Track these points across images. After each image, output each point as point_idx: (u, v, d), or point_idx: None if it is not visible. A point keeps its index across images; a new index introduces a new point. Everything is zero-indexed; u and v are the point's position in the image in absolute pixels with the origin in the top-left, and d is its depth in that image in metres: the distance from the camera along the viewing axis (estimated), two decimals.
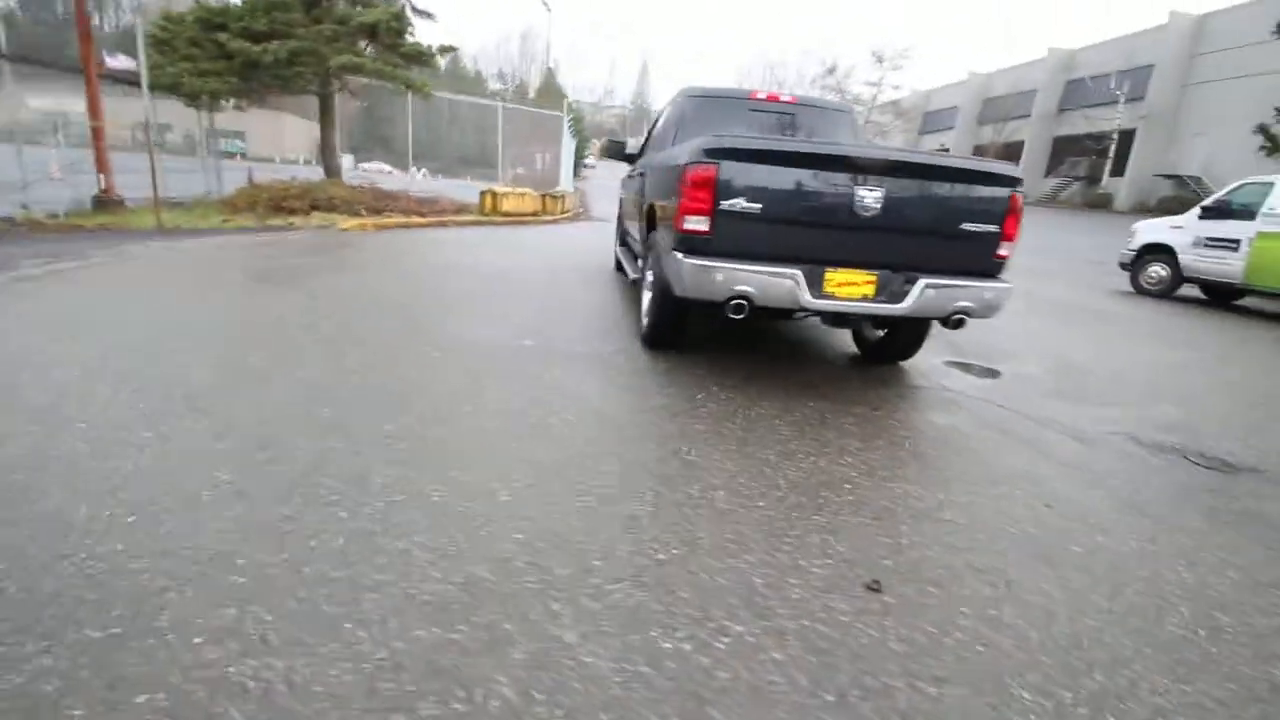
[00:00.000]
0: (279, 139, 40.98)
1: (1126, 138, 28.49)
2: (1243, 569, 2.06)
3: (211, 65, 10.03)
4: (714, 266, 2.98)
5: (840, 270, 3.07)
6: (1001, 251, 3.19)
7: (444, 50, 12.01)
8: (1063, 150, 32.81)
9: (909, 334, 3.95)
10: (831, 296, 3.08)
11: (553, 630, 1.50)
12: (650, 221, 4.08)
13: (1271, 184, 8.10)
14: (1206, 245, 8.62)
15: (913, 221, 3.04)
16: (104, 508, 1.85)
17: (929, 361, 4.28)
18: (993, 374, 4.21)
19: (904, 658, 1.52)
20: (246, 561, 1.66)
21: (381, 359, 3.46)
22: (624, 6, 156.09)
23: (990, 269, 3.22)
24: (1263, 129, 12.87)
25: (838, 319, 3.48)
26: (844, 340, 4.71)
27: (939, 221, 3.07)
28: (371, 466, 2.21)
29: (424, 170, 18.19)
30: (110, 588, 1.52)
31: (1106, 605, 1.80)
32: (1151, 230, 9.55)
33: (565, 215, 14.79)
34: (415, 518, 1.93)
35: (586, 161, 42.76)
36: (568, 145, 21.11)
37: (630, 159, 6.21)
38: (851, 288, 3.09)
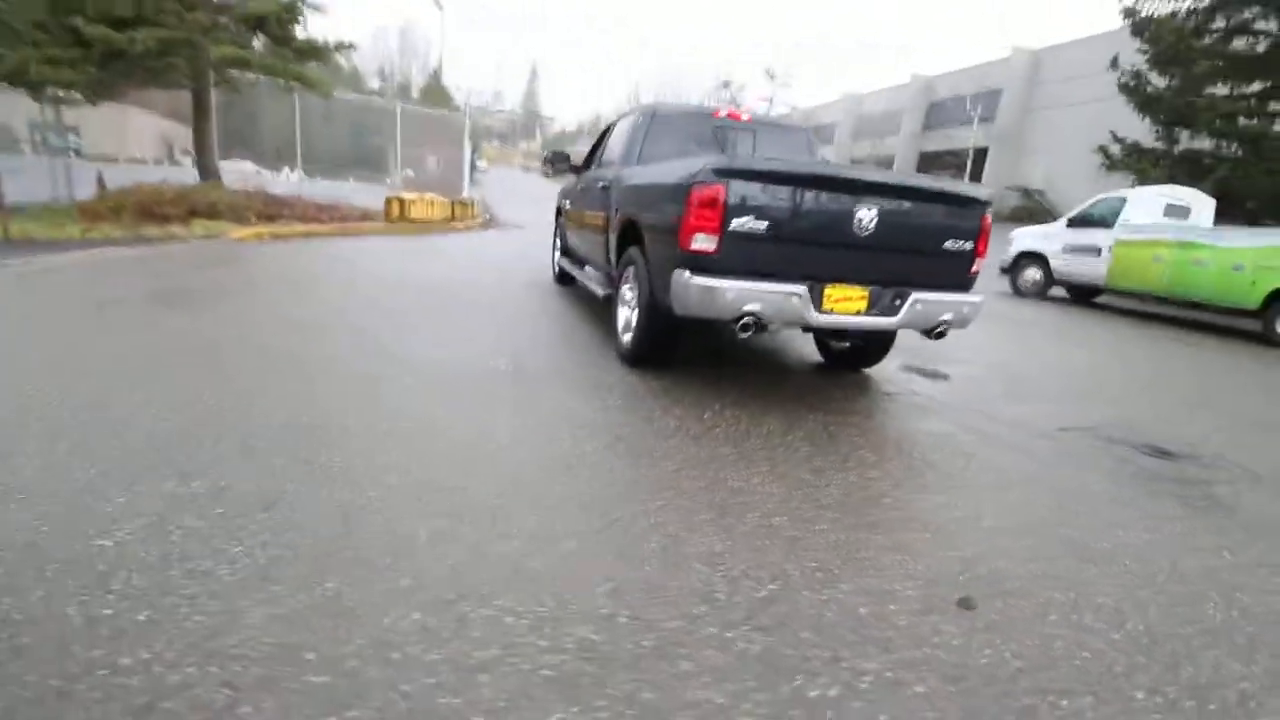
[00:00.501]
0: (121, 136, 36.33)
1: (981, 154, 31.83)
2: (1233, 550, 2.31)
3: (64, 53, 8.71)
4: (724, 286, 2.96)
5: (838, 286, 3.14)
6: (974, 268, 3.41)
7: (341, 47, 11.19)
8: (928, 164, 36.07)
9: (878, 345, 4.13)
10: (831, 312, 3.15)
11: (699, 694, 1.39)
12: (627, 237, 4.01)
13: (1124, 199, 9.35)
14: (1073, 252, 9.79)
15: (902, 240, 3.18)
16: None
17: (883, 367, 4.48)
18: (944, 377, 4.49)
19: (1027, 674, 1.55)
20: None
21: (358, 393, 3.11)
22: (511, 8, 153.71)
23: (965, 284, 3.43)
24: (1103, 149, 14.74)
25: (834, 334, 3.57)
26: (800, 350, 4.85)
27: (925, 240, 3.24)
28: (417, 528, 1.97)
29: (298, 172, 16.58)
30: None
31: (1154, 598, 1.94)
32: (1026, 238, 10.69)
33: (476, 222, 14.26)
34: (493, 576, 1.73)
35: (479, 165, 41.61)
36: (468, 149, 20.40)
37: (576, 170, 6.08)
38: (847, 303, 3.18)
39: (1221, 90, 13.24)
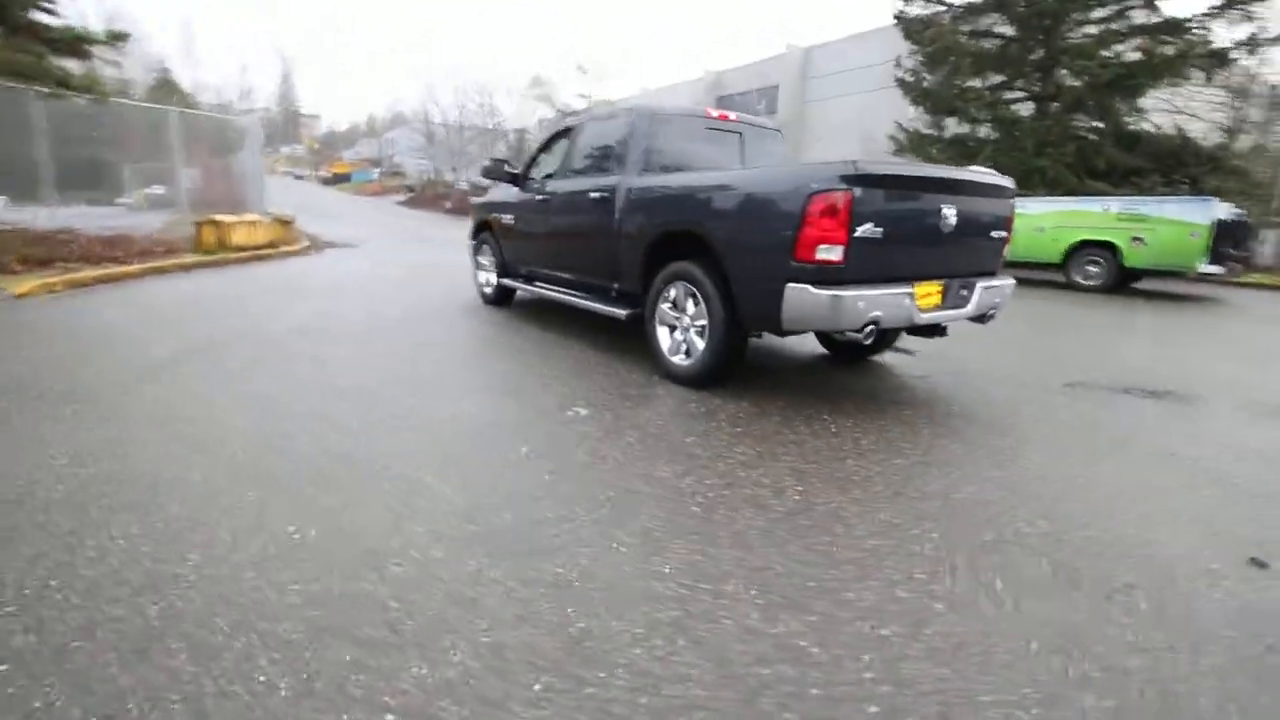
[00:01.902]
0: None
1: None
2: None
3: None
4: (854, 296, 2.87)
5: (923, 284, 3.21)
6: (1005, 253, 3.70)
7: (115, 37, 8.86)
8: None
9: (891, 332, 4.33)
10: (922, 309, 3.21)
11: None
12: (664, 251, 3.73)
13: None
14: None
15: (970, 233, 3.34)
16: None
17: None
18: (911, 353, 4.83)
19: None
20: None
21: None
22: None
23: (998, 269, 3.71)
24: (893, 137, 17.04)
25: (927, 329, 3.64)
26: (793, 342, 4.93)
27: (983, 231, 3.44)
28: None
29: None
30: None
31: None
32: None
33: (304, 245, 12.36)
34: (695, 662, 1.47)
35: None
36: (255, 158, 17.47)
37: (515, 179, 5.50)
38: (929, 299, 3.27)
39: (977, 83, 16.02)
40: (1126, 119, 14.67)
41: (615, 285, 4.34)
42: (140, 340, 4.64)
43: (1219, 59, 13.38)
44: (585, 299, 4.60)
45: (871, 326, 2.96)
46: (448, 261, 10.89)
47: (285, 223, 12.32)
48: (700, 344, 3.57)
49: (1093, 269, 9.24)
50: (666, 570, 1.87)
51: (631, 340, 4.80)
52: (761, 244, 3.09)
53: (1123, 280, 9.30)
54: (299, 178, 53.40)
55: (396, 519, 2.12)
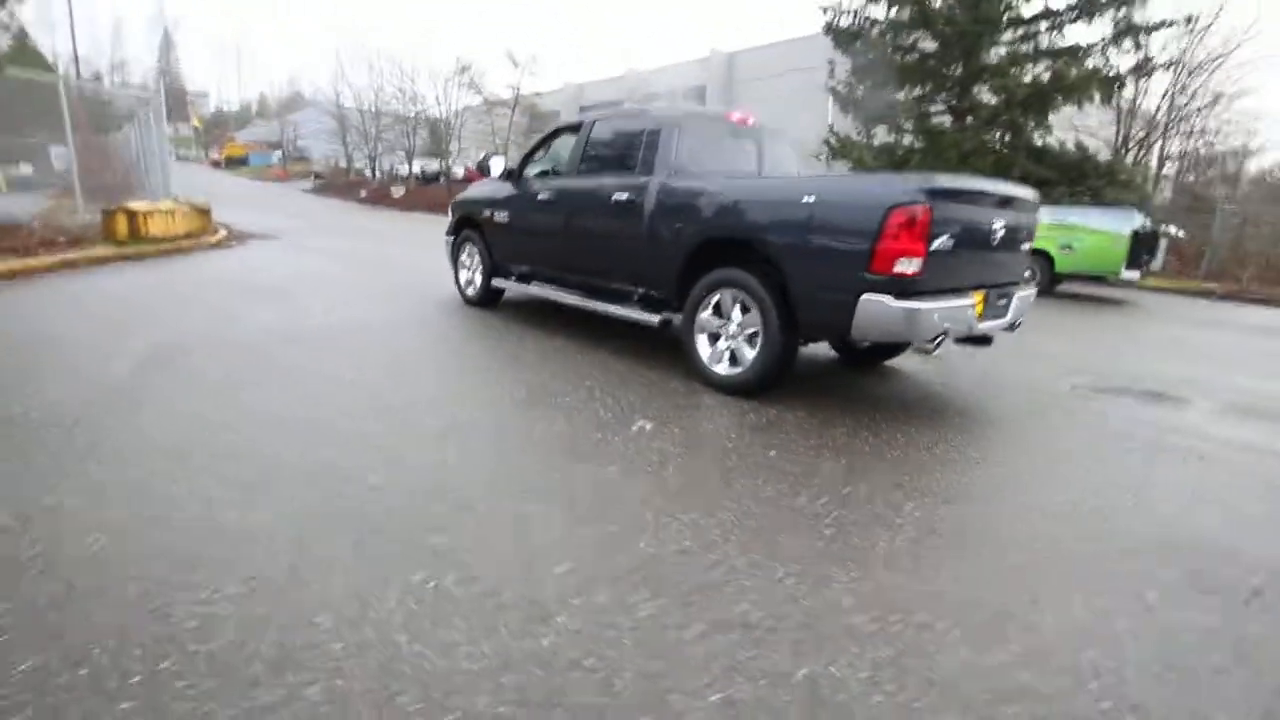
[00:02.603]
0: None
1: None
2: None
3: None
4: (929, 308, 2.90)
5: (973, 293, 3.30)
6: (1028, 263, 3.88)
7: None
8: None
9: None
10: (977, 319, 3.30)
11: None
12: (707, 257, 3.64)
13: None
14: None
15: (1012, 243, 3.47)
16: None
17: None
18: (936, 358, 5.00)
19: None
20: None
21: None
22: None
23: (1023, 279, 3.88)
24: (827, 142, 17.65)
25: (976, 339, 3.71)
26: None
27: (1020, 242, 3.58)
28: None
29: None
30: None
31: None
32: None
33: (225, 235, 11.26)
34: (941, 704, 1.47)
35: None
36: (159, 135, 15.67)
37: (511, 175, 5.22)
38: (976, 308, 3.36)
39: (903, 95, 16.91)
40: (1035, 135, 15.98)
41: (639, 289, 4.20)
42: (91, 349, 4.01)
43: (1118, 82, 14.81)
44: (603, 303, 4.42)
45: (941, 337, 3.00)
46: (391, 256, 10.26)
47: (203, 212, 11.17)
48: (749, 352, 3.51)
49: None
50: (847, 603, 1.79)
51: (648, 344, 4.67)
52: (831, 255, 3.06)
53: (1052, 285, 10.09)
54: (184, 160, 48.61)
55: (530, 560, 1.92)
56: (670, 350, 4.50)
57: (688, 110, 4.25)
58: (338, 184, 37.61)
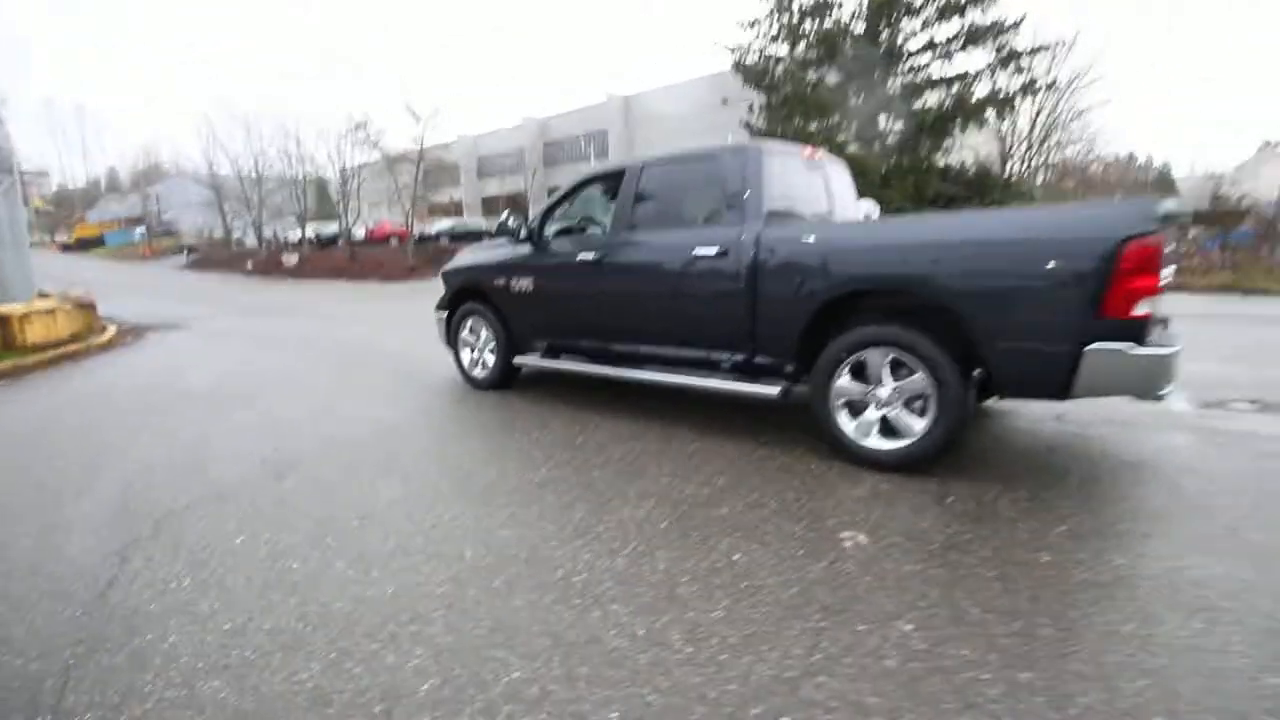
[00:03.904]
0: None
1: None
2: None
3: None
4: (1172, 353, 2.48)
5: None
6: None
7: None
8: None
9: None
10: None
11: None
12: (844, 313, 3.10)
13: None
14: None
15: None
16: None
17: None
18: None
19: None
20: None
21: None
22: None
23: None
24: None
25: None
26: None
27: None
28: None
29: None
30: None
31: None
32: None
33: (115, 332, 9.54)
34: None
35: None
36: (14, 219, 13.22)
37: (531, 238, 4.49)
38: None
39: (814, 126, 17.57)
40: (937, 156, 17.04)
41: (732, 356, 3.58)
42: (16, 510, 2.85)
43: (1008, 104, 16.09)
44: (680, 376, 3.77)
45: (1170, 385, 2.60)
46: (334, 334, 9.02)
47: (85, 306, 9.41)
48: (914, 421, 2.97)
49: None
50: None
51: (727, 415, 4.03)
52: (1041, 300, 2.59)
53: None
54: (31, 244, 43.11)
55: None
56: (764, 421, 3.90)
57: (770, 146, 3.72)
58: (217, 257, 34.44)
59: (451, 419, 4.45)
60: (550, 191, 39.28)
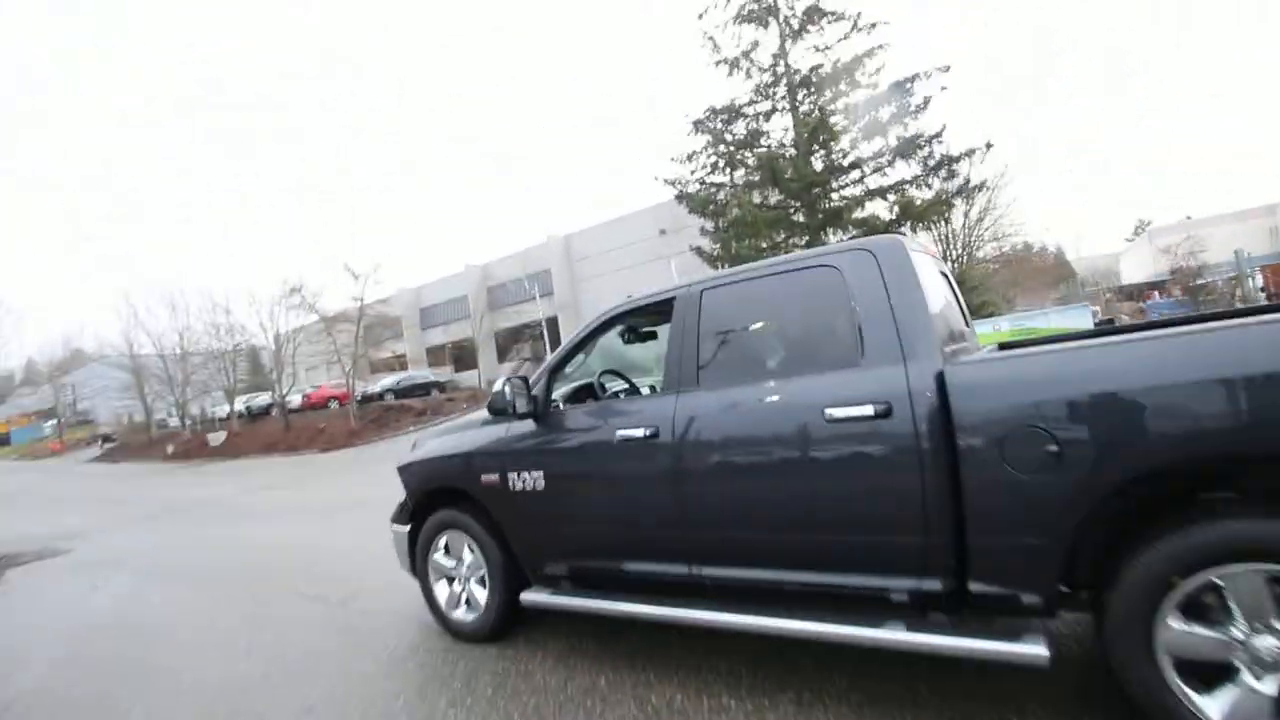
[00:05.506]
0: None
1: (553, 323, 35.35)
2: None
3: None
4: None
5: None
6: None
7: None
8: (508, 340, 38.26)
9: None
10: None
11: None
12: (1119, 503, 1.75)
13: None
14: None
15: None
16: None
17: None
18: None
19: None
20: None
21: None
22: None
23: None
24: None
25: None
26: None
27: None
28: None
29: None
30: None
31: None
32: None
33: None
34: None
35: None
36: None
37: (540, 415, 3.06)
38: None
39: (764, 244, 17.51)
40: None
41: (921, 584, 2.12)
42: None
43: (947, 205, 16.48)
44: (831, 622, 2.25)
45: None
46: (254, 540, 7.03)
47: None
48: None
49: None
50: None
51: (924, 687, 2.49)
52: None
53: None
54: None
55: None
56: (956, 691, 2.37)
57: (904, 240, 2.47)
58: (136, 443, 31.33)
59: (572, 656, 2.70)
60: (496, 337, 38.90)
